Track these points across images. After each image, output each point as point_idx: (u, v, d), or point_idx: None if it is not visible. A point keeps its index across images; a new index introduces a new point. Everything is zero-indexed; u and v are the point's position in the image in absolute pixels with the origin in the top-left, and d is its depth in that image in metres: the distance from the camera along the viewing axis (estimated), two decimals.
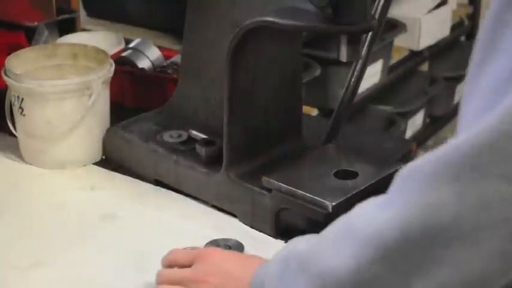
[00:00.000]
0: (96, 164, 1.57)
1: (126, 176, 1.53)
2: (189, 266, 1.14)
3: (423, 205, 0.76)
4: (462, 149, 0.74)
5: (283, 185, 1.30)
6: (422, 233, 0.77)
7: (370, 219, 0.82)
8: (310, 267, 0.89)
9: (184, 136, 1.50)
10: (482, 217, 0.73)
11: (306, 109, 1.56)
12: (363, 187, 1.30)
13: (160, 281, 1.16)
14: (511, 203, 0.73)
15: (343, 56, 1.26)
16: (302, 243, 0.97)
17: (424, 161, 0.78)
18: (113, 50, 1.77)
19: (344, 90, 1.44)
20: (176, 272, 1.15)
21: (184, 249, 1.20)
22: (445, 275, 0.77)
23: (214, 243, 1.30)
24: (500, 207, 0.73)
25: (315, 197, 1.27)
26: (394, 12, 2.46)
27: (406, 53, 2.60)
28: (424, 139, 2.70)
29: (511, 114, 0.72)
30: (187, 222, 1.39)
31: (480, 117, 0.75)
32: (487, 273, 0.76)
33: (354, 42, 1.25)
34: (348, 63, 1.36)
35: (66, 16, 1.92)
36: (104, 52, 1.61)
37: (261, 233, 1.35)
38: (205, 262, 1.12)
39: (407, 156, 1.54)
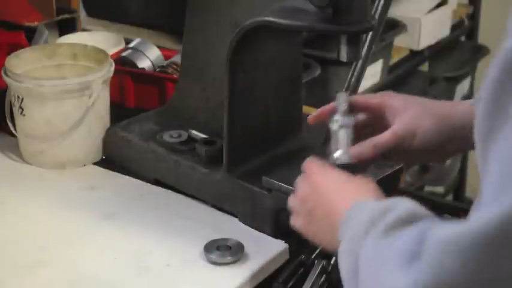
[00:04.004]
0: (96, 164, 1.57)
1: (126, 176, 1.53)
2: None
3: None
4: (473, 235, 0.78)
5: (283, 185, 1.30)
6: None
7: (394, 279, 0.84)
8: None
9: (184, 136, 1.50)
10: None
11: (306, 109, 1.56)
12: None
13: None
14: None
15: (343, 56, 1.26)
16: (367, 243, 0.93)
17: (451, 235, 0.81)
18: (113, 50, 1.77)
19: (344, 90, 1.44)
20: (292, 203, 1.12)
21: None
22: None
23: (214, 243, 1.30)
24: None
25: None
26: (394, 12, 2.46)
27: (406, 53, 2.60)
28: None
29: None
30: (187, 222, 1.39)
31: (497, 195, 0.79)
32: None
33: (354, 42, 1.25)
34: (348, 63, 1.36)
35: (66, 16, 1.92)
36: (104, 52, 1.61)
37: (261, 233, 1.35)
38: (305, 186, 1.10)
39: None
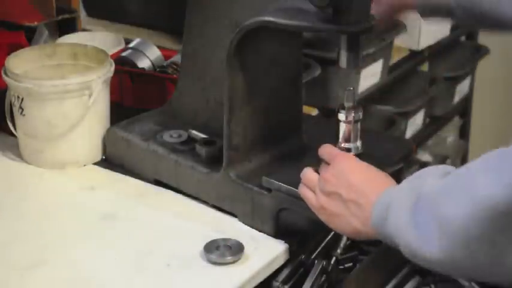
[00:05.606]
0: (96, 164, 1.57)
1: (126, 176, 1.53)
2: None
3: None
4: None
5: (283, 185, 1.30)
6: None
7: (488, 186, 0.96)
8: (435, 211, 1.01)
9: (184, 136, 1.50)
10: None
11: (306, 109, 1.56)
12: None
13: (303, 180, 1.25)
14: None
15: (343, 62, 1.27)
16: (429, 182, 1.05)
17: None
18: (112, 50, 1.77)
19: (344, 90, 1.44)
20: (313, 177, 1.22)
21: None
22: None
23: (214, 243, 1.30)
24: None
25: None
26: None
27: (406, 53, 2.60)
28: (424, 139, 2.69)
29: None
30: (187, 222, 1.39)
31: None
32: None
33: (354, 49, 1.25)
34: None
35: (66, 16, 1.92)
36: (104, 52, 1.61)
37: (261, 233, 1.35)
38: (333, 169, 1.19)
39: (407, 156, 1.53)
